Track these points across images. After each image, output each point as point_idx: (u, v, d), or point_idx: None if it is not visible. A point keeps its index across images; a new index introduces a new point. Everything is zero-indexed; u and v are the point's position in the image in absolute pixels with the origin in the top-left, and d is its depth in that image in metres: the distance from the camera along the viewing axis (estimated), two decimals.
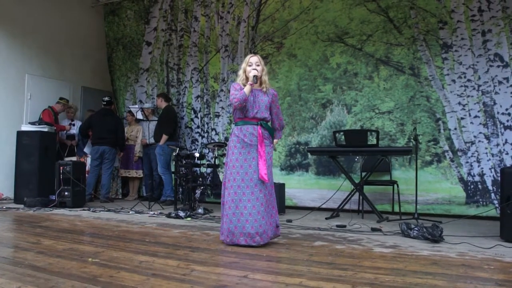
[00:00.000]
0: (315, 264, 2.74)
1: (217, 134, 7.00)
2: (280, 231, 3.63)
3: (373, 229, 4.17)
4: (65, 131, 7.26)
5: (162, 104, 6.73)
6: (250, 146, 3.38)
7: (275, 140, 3.66)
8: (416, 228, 3.75)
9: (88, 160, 7.10)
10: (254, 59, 3.47)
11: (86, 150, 7.19)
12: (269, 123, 3.56)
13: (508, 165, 5.02)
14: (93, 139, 6.86)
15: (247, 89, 3.35)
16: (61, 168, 5.85)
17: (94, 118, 6.96)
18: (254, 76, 3.37)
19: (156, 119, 7.09)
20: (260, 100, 3.43)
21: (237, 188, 3.33)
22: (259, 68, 3.43)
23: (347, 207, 5.18)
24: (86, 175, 6.61)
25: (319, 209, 5.54)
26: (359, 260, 2.87)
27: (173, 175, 6.34)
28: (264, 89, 3.47)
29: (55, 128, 6.74)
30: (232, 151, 3.42)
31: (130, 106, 6.99)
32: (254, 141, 3.38)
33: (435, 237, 3.53)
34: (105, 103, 7.02)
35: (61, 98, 7.28)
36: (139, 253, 3.00)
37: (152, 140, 6.95)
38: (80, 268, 2.57)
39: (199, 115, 7.21)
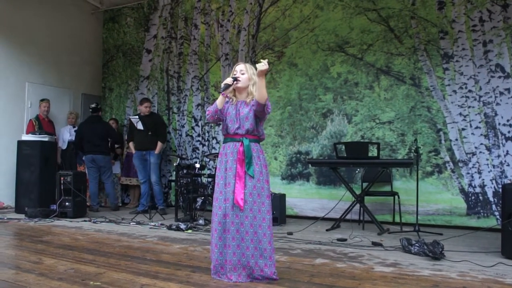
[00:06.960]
0: (316, 287, 2.74)
1: (218, 142, 6.99)
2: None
3: (374, 243, 4.17)
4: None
5: (150, 110, 6.58)
6: (230, 166, 2.93)
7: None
8: (417, 244, 3.75)
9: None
10: (239, 66, 3.02)
11: (84, 158, 7.13)
12: (257, 139, 3.05)
13: (509, 176, 5.02)
14: (86, 147, 6.76)
15: (218, 100, 2.98)
16: (62, 178, 5.87)
17: (84, 127, 6.86)
18: (224, 84, 2.94)
19: None
20: (241, 112, 2.96)
21: (214, 216, 2.93)
22: (243, 76, 2.97)
23: (348, 217, 5.18)
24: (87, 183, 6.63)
25: (320, 219, 5.54)
26: (359, 282, 2.86)
27: (173, 184, 6.34)
28: (248, 100, 2.98)
29: (55, 137, 6.73)
30: (217, 174, 3.04)
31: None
32: (232, 162, 2.92)
33: (436, 255, 3.53)
34: (91, 110, 6.92)
35: (41, 100, 7.09)
36: (141, 275, 3.00)
37: None
38: None
39: (199, 124, 7.20)
